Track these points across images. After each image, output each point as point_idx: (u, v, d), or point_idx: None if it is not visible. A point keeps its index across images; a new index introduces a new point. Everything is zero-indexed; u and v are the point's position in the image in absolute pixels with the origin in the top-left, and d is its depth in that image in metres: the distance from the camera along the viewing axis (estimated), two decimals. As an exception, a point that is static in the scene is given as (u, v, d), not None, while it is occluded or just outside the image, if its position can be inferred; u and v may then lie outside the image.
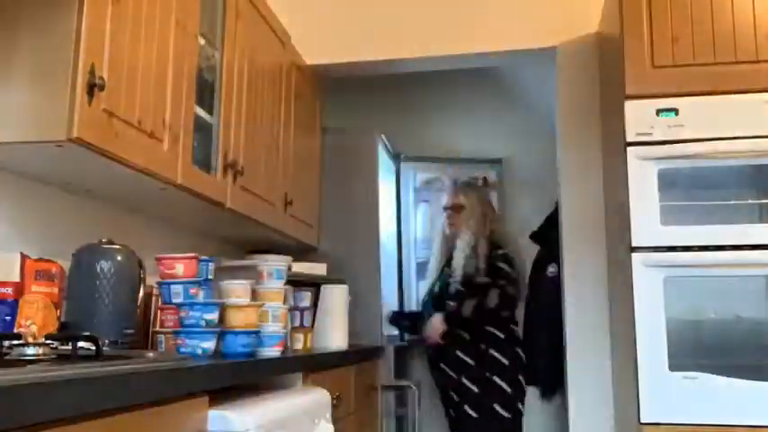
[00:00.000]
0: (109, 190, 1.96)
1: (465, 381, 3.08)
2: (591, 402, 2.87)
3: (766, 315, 2.21)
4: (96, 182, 1.86)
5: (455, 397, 3.13)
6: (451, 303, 3.15)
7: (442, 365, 3.19)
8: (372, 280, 3.21)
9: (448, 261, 3.32)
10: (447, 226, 3.38)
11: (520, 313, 3.99)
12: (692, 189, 2.41)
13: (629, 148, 2.30)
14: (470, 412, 3.04)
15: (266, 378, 1.83)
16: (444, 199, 3.48)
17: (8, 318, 1.50)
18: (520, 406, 3.09)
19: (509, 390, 3.05)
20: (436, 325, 3.16)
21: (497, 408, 3.02)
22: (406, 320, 3.60)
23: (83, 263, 1.68)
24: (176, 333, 1.71)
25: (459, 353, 3.12)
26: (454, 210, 3.36)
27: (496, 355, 3.09)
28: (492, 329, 3.13)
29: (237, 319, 1.83)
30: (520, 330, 3.31)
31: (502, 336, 3.13)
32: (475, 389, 3.06)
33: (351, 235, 3.25)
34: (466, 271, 3.17)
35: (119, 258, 1.70)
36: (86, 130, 1.49)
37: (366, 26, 3.30)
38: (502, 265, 3.15)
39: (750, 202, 2.39)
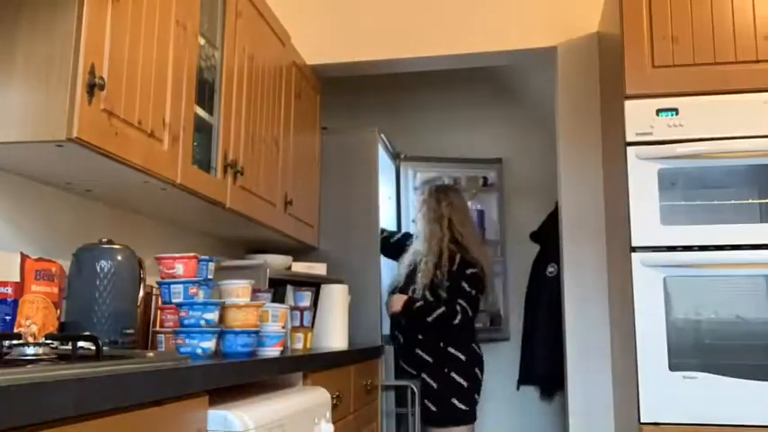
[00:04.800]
0: (109, 190, 1.96)
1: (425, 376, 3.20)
2: (591, 402, 2.87)
3: (766, 315, 2.21)
4: (96, 182, 1.86)
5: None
6: (419, 303, 3.19)
7: (401, 363, 3.30)
8: (372, 280, 3.21)
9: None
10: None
11: (518, 315, 4.00)
12: (692, 189, 2.41)
13: (629, 148, 2.30)
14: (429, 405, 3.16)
15: (266, 378, 1.83)
16: None
17: (8, 318, 1.50)
18: (476, 397, 3.19)
19: (465, 384, 3.14)
20: (396, 303, 3.22)
21: (455, 401, 3.12)
22: (388, 248, 3.56)
23: (83, 263, 1.68)
24: (176, 333, 1.71)
25: (418, 351, 3.21)
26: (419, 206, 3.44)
27: (454, 351, 3.16)
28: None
29: (237, 319, 1.83)
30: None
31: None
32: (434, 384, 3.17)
33: (351, 235, 3.25)
34: (424, 284, 3.21)
35: (119, 258, 1.70)
36: (86, 130, 1.49)
37: (366, 26, 3.30)
38: (464, 285, 3.17)
39: (750, 201, 2.39)
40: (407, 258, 3.36)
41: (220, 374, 1.43)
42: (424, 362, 3.20)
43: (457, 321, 3.12)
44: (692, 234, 2.24)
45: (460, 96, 4.42)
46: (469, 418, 3.15)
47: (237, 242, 3.01)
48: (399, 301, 3.22)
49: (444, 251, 3.22)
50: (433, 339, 3.19)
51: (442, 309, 3.14)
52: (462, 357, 3.16)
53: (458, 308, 3.13)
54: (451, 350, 3.16)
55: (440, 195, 3.36)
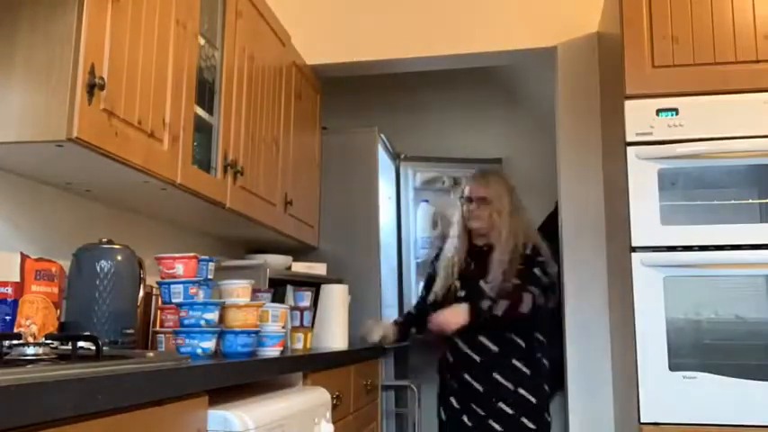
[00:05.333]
0: (109, 190, 1.96)
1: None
2: (591, 402, 2.87)
3: (766, 315, 2.21)
4: (96, 182, 1.86)
5: (479, 410, 2.76)
6: (486, 302, 2.74)
7: (467, 377, 2.80)
8: (372, 280, 3.22)
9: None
10: (471, 219, 2.90)
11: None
12: (692, 189, 2.41)
13: (629, 148, 2.30)
14: (494, 425, 2.73)
15: (266, 378, 1.83)
16: (467, 189, 2.98)
17: (8, 318, 1.50)
18: (546, 415, 2.81)
19: (534, 400, 2.75)
20: (459, 315, 2.74)
21: (524, 419, 2.72)
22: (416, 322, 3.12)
23: (83, 263, 1.68)
24: (176, 333, 1.71)
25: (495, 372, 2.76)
26: (480, 202, 2.89)
27: (520, 365, 2.77)
28: (514, 337, 2.79)
29: (237, 319, 1.83)
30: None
31: (523, 344, 2.80)
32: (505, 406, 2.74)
33: (351, 235, 3.25)
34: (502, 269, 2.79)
35: (119, 258, 1.70)
36: (86, 130, 1.49)
37: (366, 26, 3.30)
38: (537, 271, 2.79)
39: (750, 202, 2.39)
40: (441, 267, 2.97)
41: (220, 374, 1.43)
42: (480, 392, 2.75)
43: (525, 310, 2.70)
44: (692, 234, 2.23)
45: (460, 96, 4.42)
46: None
47: (237, 242, 3.01)
48: (457, 313, 2.75)
49: (520, 239, 2.82)
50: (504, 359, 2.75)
51: (506, 301, 2.72)
52: (528, 371, 2.77)
53: (523, 295, 2.72)
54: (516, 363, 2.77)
55: (508, 187, 2.95)
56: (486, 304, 2.74)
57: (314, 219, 3.20)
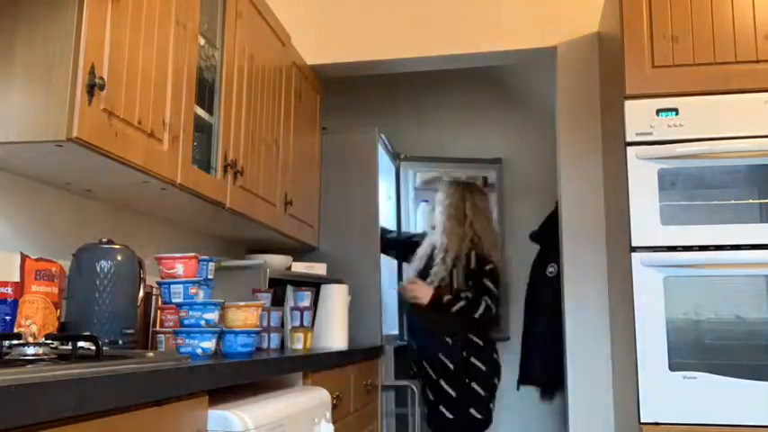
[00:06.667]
0: (109, 190, 1.96)
1: (443, 384, 3.18)
2: (591, 402, 2.87)
3: (766, 315, 2.21)
4: (96, 182, 1.86)
5: (431, 396, 3.23)
6: (446, 297, 3.21)
7: (425, 364, 3.26)
8: (372, 280, 3.22)
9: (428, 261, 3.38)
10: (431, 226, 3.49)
11: (518, 315, 4.01)
12: (692, 189, 2.41)
13: (628, 148, 2.30)
14: (446, 413, 3.15)
15: (266, 378, 1.83)
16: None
17: (8, 318, 1.50)
18: (491, 406, 3.23)
19: (483, 394, 3.17)
20: (424, 288, 3.23)
21: (472, 411, 3.14)
22: (399, 247, 3.70)
23: (83, 263, 1.68)
24: (176, 333, 1.71)
25: (441, 356, 3.20)
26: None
27: (475, 361, 3.19)
28: (473, 337, 3.23)
29: (237, 319, 1.83)
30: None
31: (481, 343, 3.24)
32: (452, 393, 3.16)
33: (351, 235, 3.25)
34: (441, 277, 3.25)
35: (119, 258, 1.70)
36: (86, 130, 1.49)
37: (366, 26, 3.30)
38: (488, 283, 3.23)
39: (750, 201, 2.39)
40: (422, 250, 3.41)
41: (220, 374, 1.43)
42: (446, 368, 3.20)
43: (477, 315, 3.16)
44: (692, 234, 2.24)
45: (460, 96, 4.42)
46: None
47: (237, 242, 3.01)
48: (427, 292, 3.22)
49: (463, 249, 3.26)
50: (457, 348, 3.21)
51: (463, 302, 3.18)
52: (483, 368, 3.20)
53: (482, 302, 3.18)
54: (473, 360, 3.20)
55: (465, 194, 3.39)
56: (445, 298, 3.25)
57: (314, 219, 3.20)
